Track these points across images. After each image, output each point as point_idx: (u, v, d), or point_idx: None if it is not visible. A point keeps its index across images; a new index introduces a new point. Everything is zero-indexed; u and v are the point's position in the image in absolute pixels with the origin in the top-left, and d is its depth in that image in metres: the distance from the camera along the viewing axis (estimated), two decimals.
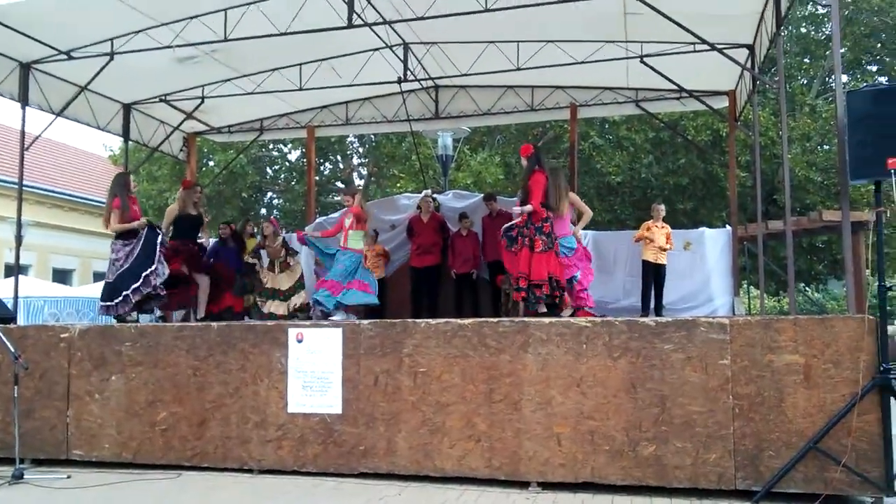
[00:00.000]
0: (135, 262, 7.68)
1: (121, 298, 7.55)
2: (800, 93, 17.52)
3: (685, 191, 16.38)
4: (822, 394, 4.80)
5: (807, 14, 18.77)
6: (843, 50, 18.09)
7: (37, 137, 9.12)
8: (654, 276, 8.58)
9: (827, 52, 17.72)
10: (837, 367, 4.79)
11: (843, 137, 5.66)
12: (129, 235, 7.76)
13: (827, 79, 18.32)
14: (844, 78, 18.42)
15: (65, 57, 8.62)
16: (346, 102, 11.51)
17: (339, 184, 20.97)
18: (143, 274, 7.56)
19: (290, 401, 5.72)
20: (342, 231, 7.82)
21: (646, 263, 8.64)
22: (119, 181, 8.01)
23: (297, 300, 8.49)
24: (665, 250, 8.57)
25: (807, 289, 19.44)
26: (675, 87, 9.43)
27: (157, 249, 7.69)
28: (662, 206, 8.95)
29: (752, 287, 15.05)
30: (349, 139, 20.21)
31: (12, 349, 5.68)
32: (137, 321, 7.95)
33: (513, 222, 7.04)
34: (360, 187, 8.52)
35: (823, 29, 18.92)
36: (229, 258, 8.94)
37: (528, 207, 6.87)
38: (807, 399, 4.82)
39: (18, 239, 9.15)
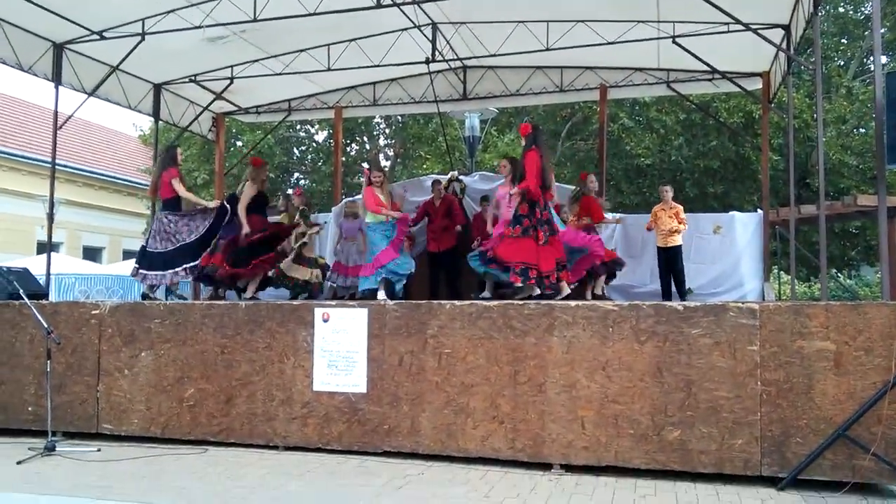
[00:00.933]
0: (196, 241, 7.85)
1: (174, 271, 7.72)
2: (836, 74, 17.12)
3: (716, 174, 16.13)
4: (852, 381, 4.72)
5: None
6: (883, 30, 17.61)
7: (69, 117, 9.26)
8: (666, 259, 8.44)
9: (866, 33, 17.25)
10: (869, 354, 4.70)
11: (882, 120, 5.52)
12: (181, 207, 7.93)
13: (865, 60, 17.87)
14: (884, 59, 17.93)
15: (97, 37, 8.71)
16: (374, 83, 11.49)
17: (365, 165, 20.99)
18: (203, 254, 7.79)
19: (316, 379, 5.77)
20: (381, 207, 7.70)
21: (657, 249, 8.54)
22: (170, 154, 8.12)
23: (310, 275, 8.54)
24: (676, 231, 8.39)
25: (839, 275, 19.10)
26: (707, 68, 9.25)
27: (217, 235, 7.92)
28: (668, 188, 8.75)
29: (782, 272, 14.83)
30: (376, 120, 20.20)
31: (45, 324, 5.79)
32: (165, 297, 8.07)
33: (518, 211, 6.92)
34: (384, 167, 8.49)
35: (863, 8, 18.41)
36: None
37: (523, 189, 6.78)
38: (836, 386, 4.74)
39: (51, 217, 9.30)
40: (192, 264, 7.79)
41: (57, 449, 5.70)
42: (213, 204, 8.07)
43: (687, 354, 5.00)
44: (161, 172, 7.98)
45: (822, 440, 4.68)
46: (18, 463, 5.37)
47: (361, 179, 8.00)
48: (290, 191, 11.77)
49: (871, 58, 17.51)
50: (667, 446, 4.97)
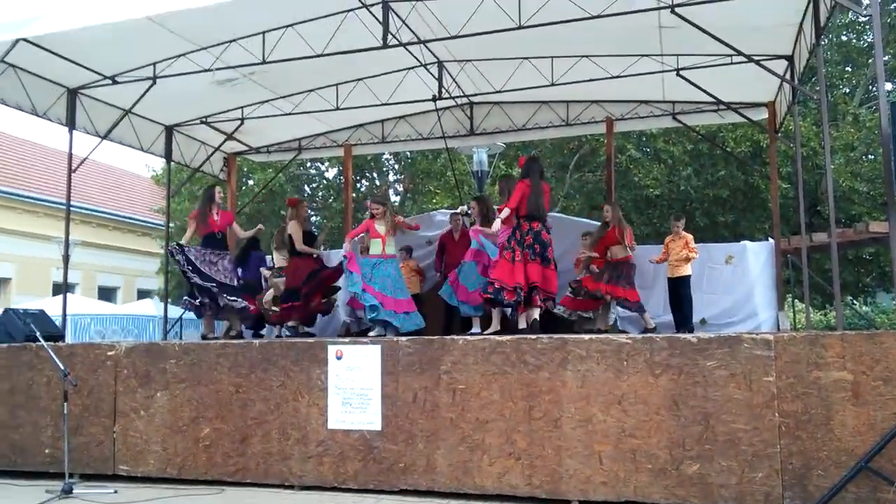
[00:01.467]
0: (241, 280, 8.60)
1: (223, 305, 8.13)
2: (842, 102, 17.17)
3: (725, 203, 16.11)
4: (871, 411, 4.67)
5: (847, 22, 18.43)
6: (886, 58, 17.69)
7: (84, 160, 9.40)
8: (675, 290, 8.43)
9: (869, 60, 17.36)
10: (888, 384, 4.66)
11: (889, 147, 5.54)
12: (223, 246, 8.40)
13: (870, 87, 17.94)
14: (888, 86, 18.00)
15: (109, 82, 8.88)
16: (382, 121, 11.63)
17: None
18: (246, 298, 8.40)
19: (331, 417, 5.77)
20: (380, 239, 7.51)
21: (668, 280, 8.54)
22: (208, 193, 8.54)
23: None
24: (686, 260, 8.37)
25: (854, 302, 18.93)
26: (712, 99, 9.33)
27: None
28: (678, 221, 8.73)
29: (797, 301, 14.72)
30: (385, 156, 20.38)
31: (61, 366, 5.83)
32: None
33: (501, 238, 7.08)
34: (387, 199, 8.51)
35: (865, 37, 18.55)
36: None
37: (505, 213, 6.88)
38: (856, 417, 4.69)
39: (66, 258, 9.40)
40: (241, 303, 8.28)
41: (74, 491, 5.69)
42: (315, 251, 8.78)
43: (703, 387, 4.97)
44: (207, 210, 8.35)
45: (843, 472, 4.61)
46: None
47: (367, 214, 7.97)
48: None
49: (876, 85, 17.61)
50: (686, 481, 4.92)
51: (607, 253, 8.35)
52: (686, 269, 8.35)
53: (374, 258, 7.47)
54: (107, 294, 22.11)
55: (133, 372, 6.33)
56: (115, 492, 5.80)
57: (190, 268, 7.91)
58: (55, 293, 17.84)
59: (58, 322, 8.65)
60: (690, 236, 8.55)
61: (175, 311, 11.99)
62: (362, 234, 7.78)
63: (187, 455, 6.10)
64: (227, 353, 6.13)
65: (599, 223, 8.91)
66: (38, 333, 6.33)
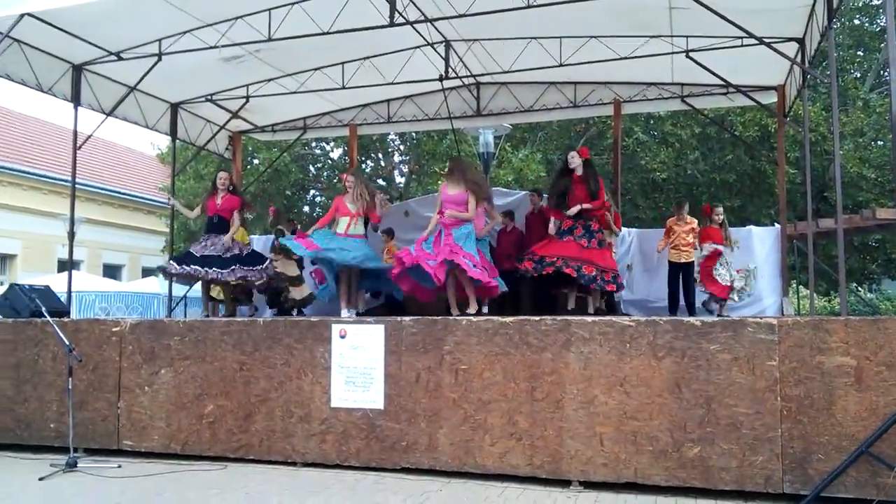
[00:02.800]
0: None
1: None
2: (852, 87, 17.02)
3: (732, 187, 16.05)
4: (874, 397, 4.67)
5: (860, 5, 18.22)
6: None
7: (88, 137, 9.41)
8: (678, 275, 8.40)
9: (881, 45, 17.16)
10: (891, 369, 4.65)
11: None
12: (222, 230, 8.06)
13: (882, 72, 17.76)
14: None
15: (115, 58, 8.85)
16: (388, 100, 11.58)
17: (380, 181, 21.10)
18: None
19: (334, 396, 5.79)
20: (347, 217, 7.35)
21: (669, 264, 8.50)
22: (212, 180, 8.55)
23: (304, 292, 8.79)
24: (692, 245, 8.34)
25: (859, 289, 18.89)
26: (721, 82, 9.25)
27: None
28: (684, 204, 8.70)
29: (801, 287, 14.69)
30: (390, 137, 20.31)
31: (66, 342, 5.86)
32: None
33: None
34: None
35: (878, 21, 18.34)
36: None
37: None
38: (858, 402, 4.69)
39: (71, 235, 9.43)
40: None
41: (78, 465, 5.75)
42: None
43: (705, 370, 4.97)
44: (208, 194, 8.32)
45: (844, 457, 4.62)
46: (41, 479, 5.42)
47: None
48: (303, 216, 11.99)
49: (888, 70, 17.44)
50: (687, 463, 4.94)
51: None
52: (692, 255, 8.34)
53: (343, 237, 7.34)
54: (112, 271, 22.20)
55: (137, 348, 6.36)
56: (119, 466, 5.85)
57: (186, 270, 7.82)
58: (60, 270, 17.90)
59: (63, 299, 8.68)
60: (696, 221, 8.51)
61: (180, 289, 12.03)
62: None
63: (191, 431, 6.14)
64: (231, 330, 6.15)
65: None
66: (43, 309, 6.37)
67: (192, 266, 7.74)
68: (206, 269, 7.74)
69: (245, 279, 8.00)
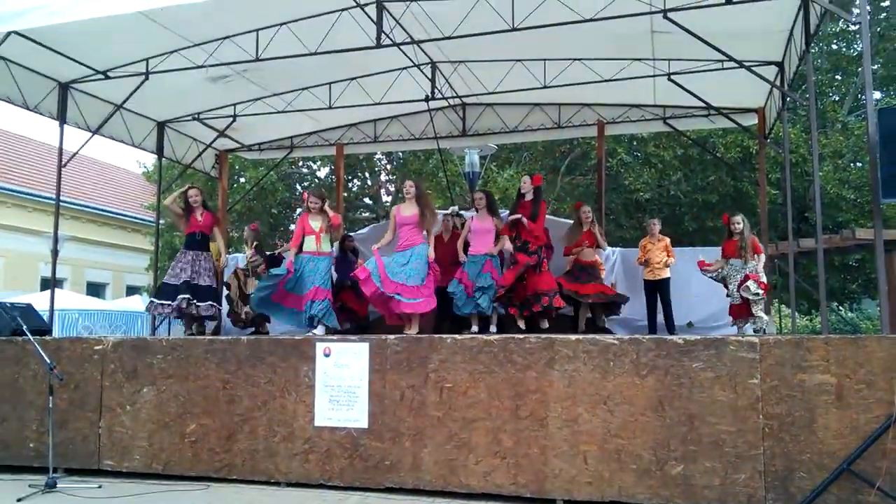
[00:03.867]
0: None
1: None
2: (831, 109, 17.32)
3: (714, 208, 16.20)
4: (854, 414, 4.72)
5: (838, 31, 18.60)
6: (875, 66, 17.86)
7: (74, 154, 9.37)
8: (654, 293, 8.44)
9: (859, 69, 17.51)
10: (871, 387, 4.71)
11: (875, 155, 5.61)
12: (203, 247, 8.21)
13: (859, 95, 18.09)
14: (877, 95, 18.17)
15: (101, 77, 8.85)
16: (375, 120, 11.65)
17: (367, 200, 21.13)
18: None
19: (317, 414, 5.77)
20: (313, 235, 7.33)
21: (645, 283, 8.53)
22: (183, 198, 8.38)
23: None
24: (666, 264, 8.38)
25: (840, 308, 19.08)
26: (703, 104, 9.39)
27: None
28: (656, 221, 8.73)
29: (783, 306, 14.82)
30: (377, 156, 20.39)
31: (48, 360, 5.80)
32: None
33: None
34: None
35: (855, 46, 18.72)
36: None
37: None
38: (839, 420, 4.74)
39: (55, 253, 9.35)
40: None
41: (58, 485, 5.67)
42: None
43: (688, 388, 5.01)
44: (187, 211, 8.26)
45: (826, 475, 4.66)
46: (19, 501, 5.34)
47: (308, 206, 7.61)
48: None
49: (865, 94, 17.74)
50: (670, 481, 4.96)
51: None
52: (667, 272, 8.38)
53: (307, 255, 7.30)
54: (95, 290, 21.98)
55: (120, 367, 6.31)
56: (100, 486, 5.78)
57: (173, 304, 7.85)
58: (43, 288, 17.71)
59: (45, 317, 8.60)
60: (668, 240, 8.57)
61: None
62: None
63: (173, 451, 6.08)
64: (214, 348, 6.13)
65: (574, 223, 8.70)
66: (24, 327, 6.29)
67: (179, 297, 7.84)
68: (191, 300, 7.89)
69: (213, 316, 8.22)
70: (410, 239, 7.12)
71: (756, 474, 4.82)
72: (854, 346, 4.80)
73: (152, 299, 8.11)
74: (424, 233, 7.20)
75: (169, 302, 7.80)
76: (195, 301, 7.84)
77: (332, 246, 7.58)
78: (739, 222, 7.65)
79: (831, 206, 15.02)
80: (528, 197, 7.70)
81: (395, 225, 7.26)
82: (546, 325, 7.60)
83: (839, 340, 4.86)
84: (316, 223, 7.39)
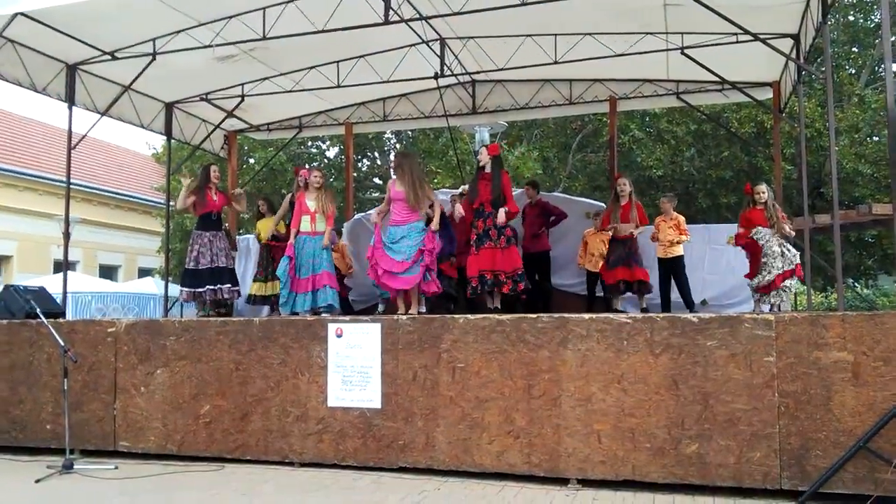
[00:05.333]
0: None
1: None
2: (848, 83, 17.03)
3: (728, 184, 16.07)
4: (871, 392, 4.66)
5: (855, 1, 18.23)
6: (893, 38, 17.52)
7: (83, 136, 9.36)
8: (666, 271, 8.32)
9: (876, 41, 17.19)
10: (888, 364, 4.64)
11: (894, 129, 5.49)
12: (219, 227, 8.37)
13: (876, 68, 17.79)
14: (895, 67, 17.80)
15: (109, 58, 8.81)
16: (384, 99, 11.56)
17: (376, 180, 21.07)
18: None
19: (330, 395, 5.78)
20: (309, 216, 7.31)
21: (658, 262, 8.41)
22: (205, 172, 8.37)
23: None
24: (678, 242, 8.26)
25: (856, 284, 18.92)
26: (717, 78, 9.25)
27: None
28: (667, 199, 8.55)
29: (798, 282, 14.69)
30: (386, 135, 20.30)
31: (62, 343, 5.83)
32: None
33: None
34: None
35: (872, 17, 18.36)
36: None
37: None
38: (855, 397, 4.69)
39: (67, 235, 9.39)
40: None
41: (74, 467, 5.72)
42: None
43: (703, 366, 4.96)
44: (203, 189, 8.23)
45: (842, 453, 4.62)
46: (37, 481, 5.39)
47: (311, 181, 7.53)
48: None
49: (883, 66, 17.43)
50: (684, 460, 4.93)
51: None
52: (679, 250, 8.25)
53: (303, 235, 7.30)
54: (108, 272, 22.14)
55: (133, 348, 6.34)
56: (116, 467, 5.84)
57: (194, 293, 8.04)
58: (56, 271, 17.87)
59: (58, 300, 8.65)
60: (682, 218, 8.44)
61: (176, 289, 12.00)
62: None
63: (187, 432, 6.12)
64: (227, 330, 6.13)
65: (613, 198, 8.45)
66: (38, 310, 6.33)
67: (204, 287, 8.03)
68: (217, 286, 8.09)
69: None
70: (401, 214, 6.98)
71: (771, 453, 4.78)
72: (871, 322, 4.73)
73: (182, 289, 8.24)
74: (423, 211, 7.02)
75: (198, 289, 8.02)
76: (219, 286, 8.07)
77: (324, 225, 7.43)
78: (764, 191, 7.46)
79: (847, 181, 14.84)
80: (487, 169, 7.44)
81: (389, 198, 7.14)
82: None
83: (856, 317, 4.79)
84: (312, 203, 7.34)
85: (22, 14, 7.44)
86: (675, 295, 8.33)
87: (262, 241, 9.06)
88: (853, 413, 4.68)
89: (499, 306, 7.29)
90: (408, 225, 6.94)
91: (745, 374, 4.88)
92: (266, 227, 8.95)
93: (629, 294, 8.54)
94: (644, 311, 7.97)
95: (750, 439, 4.82)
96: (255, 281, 9.13)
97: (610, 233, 8.27)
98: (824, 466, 4.65)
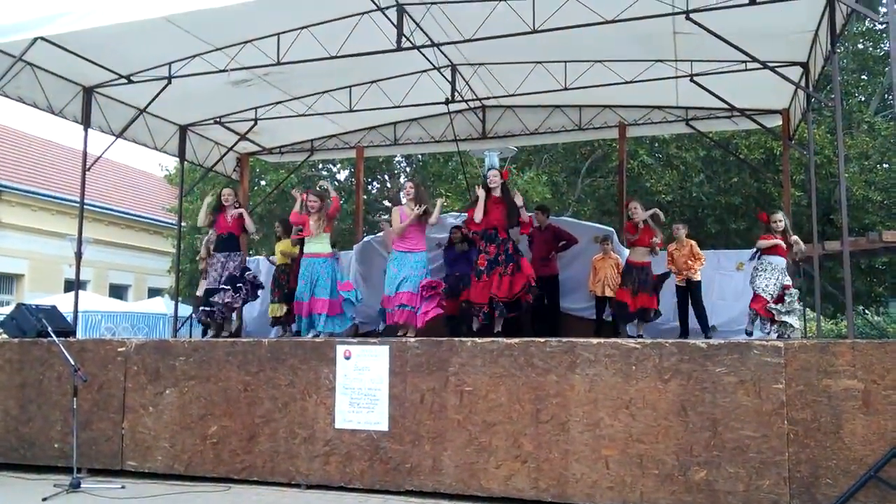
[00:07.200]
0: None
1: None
2: (857, 110, 17.06)
3: (737, 210, 16.05)
4: (882, 420, 4.63)
5: (864, 30, 18.32)
6: None
7: (98, 158, 9.47)
8: (683, 297, 8.32)
9: (886, 69, 17.23)
10: None
11: None
12: (235, 247, 8.27)
13: (886, 96, 17.82)
14: None
15: (125, 81, 8.95)
16: (395, 123, 11.66)
17: (386, 202, 21.16)
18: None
19: (338, 417, 5.78)
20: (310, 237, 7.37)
21: (676, 287, 8.41)
22: (217, 199, 8.46)
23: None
24: (693, 267, 8.24)
25: (866, 312, 18.78)
26: (726, 105, 9.29)
27: None
28: (681, 227, 8.49)
29: (808, 309, 14.61)
30: (396, 159, 20.42)
31: (72, 362, 5.87)
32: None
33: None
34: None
35: (882, 45, 18.42)
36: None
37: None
38: (866, 426, 4.66)
39: (79, 255, 9.47)
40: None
41: (82, 486, 5.74)
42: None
43: (711, 393, 4.95)
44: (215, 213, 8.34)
45: (852, 481, 4.58)
46: (44, 500, 5.40)
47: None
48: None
49: (892, 94, 17.47)
50: (693, 487, 4.90)
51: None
52: (697, 276, 8.26)
53: (307, 258, 7.34)
54: (118, 292, 22.26)
55: (143, 368, 6.37)
56: (123, 487, 5.84)
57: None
58: (67, 290, 17.95)
59: (69, 318, 8.70)
60: (694, 242, 8.43)
61: (185, 310, 12.06)
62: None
63: (195, 452, 6.13)
64: (235, 351, 6.16)
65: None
66: (49, 329, 6.38)
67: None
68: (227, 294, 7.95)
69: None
70: (411, 241, 7.13)
71: (781, 480, 4.75)
72: (881, 350, 4.71)
73: (203, 308, 8.18)
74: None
75: (206, 308, 8.01)
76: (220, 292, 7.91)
77: (331, 247, 7.50)
78: (781, 219, 7.34)
79: (857, 208, 14.80)
80: (497, 193, 7.49)
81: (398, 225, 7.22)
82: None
83: (866, 345, 4.78)
84: (312, 224, 7.39)
85: (42, 38, 7.58)
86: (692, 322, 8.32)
87: (276, 263, 9.13)
88: (864, 441, 4.64)
89: (500, 330, 7.30)
90: (413, 255, 7.12)
91: (755, 401, 4.86)
92: (283, 249, 9.02)
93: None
94: (640, 336, 7.93)
95: (759, 467, 4.79)
96: (271, 303, 9.14)
97: (618, 259, 8.26)
98: (834, 495, 4.62)
